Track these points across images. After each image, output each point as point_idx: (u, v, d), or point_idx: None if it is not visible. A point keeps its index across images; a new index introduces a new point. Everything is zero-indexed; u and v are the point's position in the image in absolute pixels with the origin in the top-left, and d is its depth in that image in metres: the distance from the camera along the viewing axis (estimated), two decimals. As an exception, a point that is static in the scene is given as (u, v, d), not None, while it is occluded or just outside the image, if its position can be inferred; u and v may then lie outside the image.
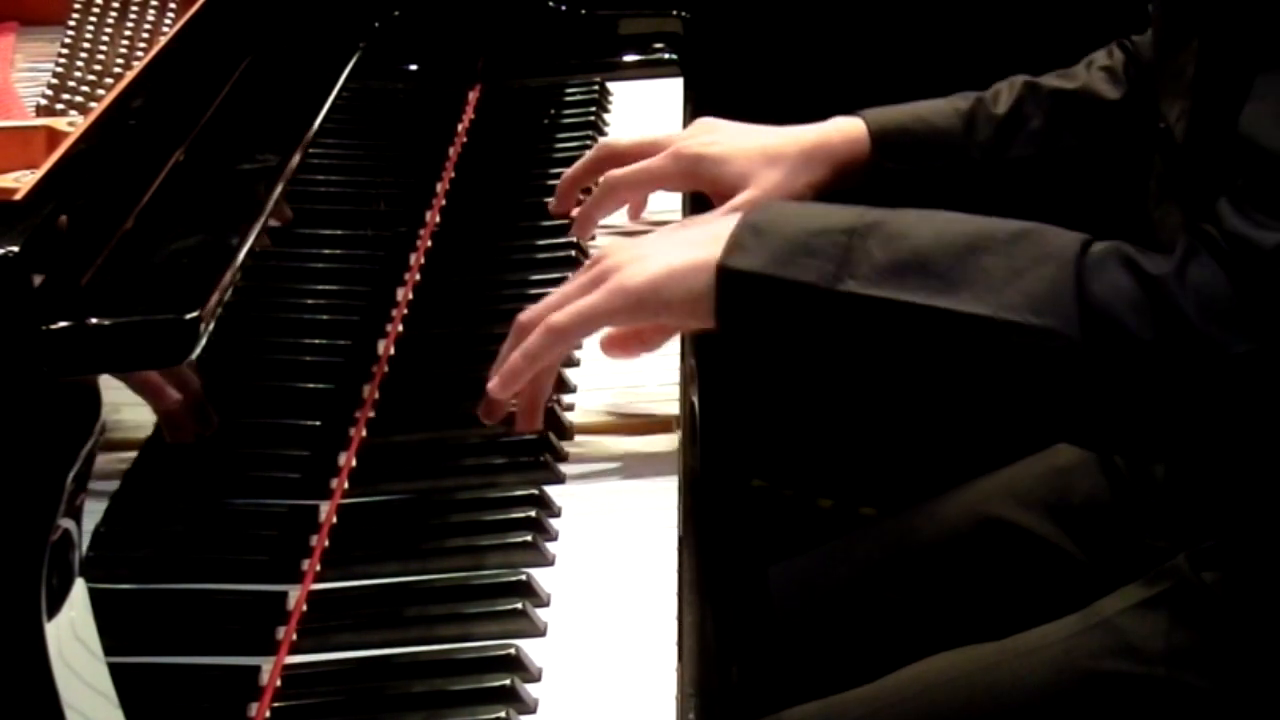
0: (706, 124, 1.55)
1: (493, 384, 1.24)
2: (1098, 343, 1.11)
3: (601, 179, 1.53)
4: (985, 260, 1.15)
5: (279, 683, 1.06)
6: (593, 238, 1.59)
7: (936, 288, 1.14)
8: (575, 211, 1.57)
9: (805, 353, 1.23)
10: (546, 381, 1.25)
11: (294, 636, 1.10)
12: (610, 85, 1.95)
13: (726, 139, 1.51)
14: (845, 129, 1.52)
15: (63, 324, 0.90)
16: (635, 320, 1.24)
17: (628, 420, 1.33)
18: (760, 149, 1.50)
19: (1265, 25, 1.15)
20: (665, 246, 1.23)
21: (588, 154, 1.57)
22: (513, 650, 1.05)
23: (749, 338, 1.23)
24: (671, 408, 1.33)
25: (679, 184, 1.56)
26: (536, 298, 1.48)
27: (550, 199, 1.61)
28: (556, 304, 1.24)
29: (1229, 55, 1.20)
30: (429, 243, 1.60)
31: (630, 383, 1.36)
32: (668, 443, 1.29)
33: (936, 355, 1.16)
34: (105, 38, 1.50)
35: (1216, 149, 1.23)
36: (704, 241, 1.21)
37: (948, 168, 1.50)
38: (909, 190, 1.51)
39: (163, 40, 1.28)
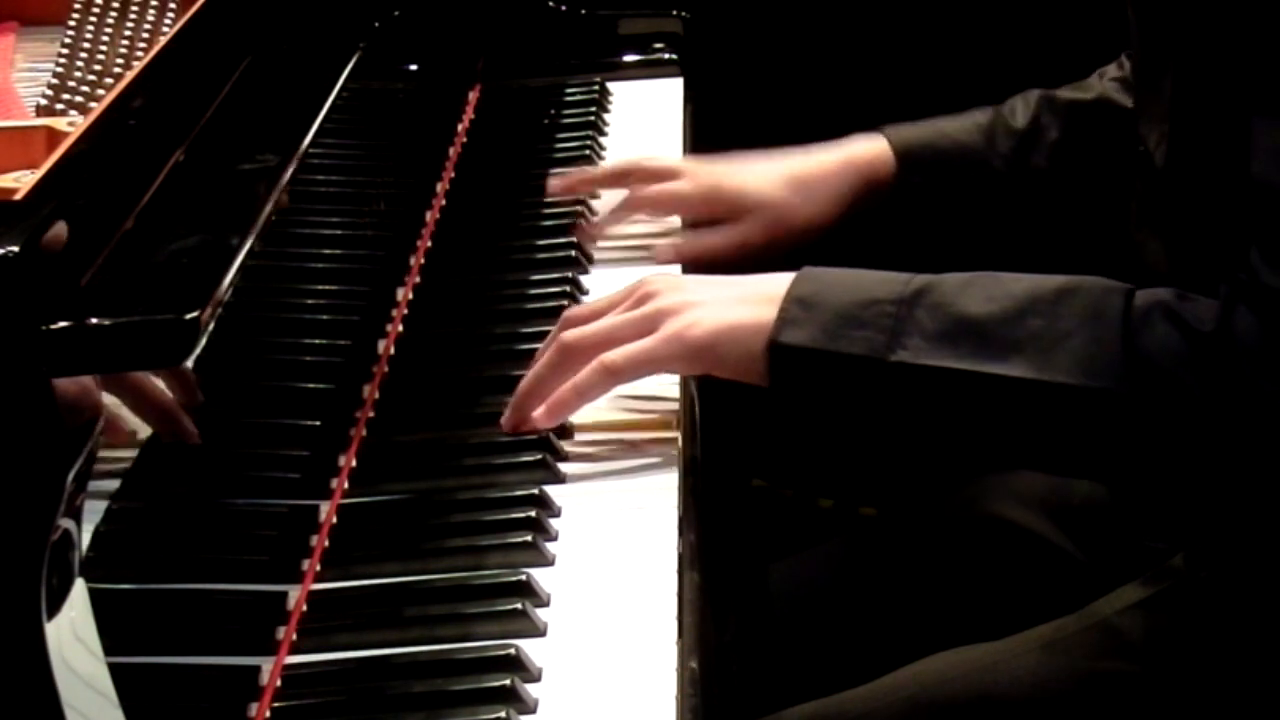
0: (727, 158, 1.55)
1: (540, 414, 1.25)
2: (1148, 400, 1.13)
3: (626, 196, 1.53)
4: (1033, 323, 1.16)
5: (279, 683, 1.06)
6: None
7: (987, 354, 1.16)
8: (590, 227, 1.59)
9: (860, 418, 1.25)
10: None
11: (294, 636, 1.10)
12: (610, 85, 1.95)
13: (747, 166, 1.52)
14: (869, 147, 1.51)
15: (63, 324, 0.90)
16: (687, 370, 1.28)
17: (628, 420, 1.33)
18: (783, 174, 1.50)
19: (1245, 57, 1.15)
20: (720, 299, 1.24)
21: (617, 161, 1.56)
22: (513, 650, 1.05)
23: (804, 405, 1.24)
24: (672, 407, 1.33)
25: (700, 209, 1.55)
26: (536, 298, 1.49)
27: (550, 202, 1.62)
28: (606, 335, 1.25)
29: (1206, 81, 1.21)
30: (429, 243, 1.60)
31: (631, 383, 1.36)
32: (668, 443, 1.29)
33: (989, 418, 1.18)
34: (105, 38, 1.50)
35: (1195, 175, 1.24)
36: (758, 301, 1.22)
37: (972, 181, 1.50)
38: (933, 205, 1.51)
39: (163, 40, 1.28)
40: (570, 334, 1.26)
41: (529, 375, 1.27)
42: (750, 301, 1.23)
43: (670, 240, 1.56)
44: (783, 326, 1.20)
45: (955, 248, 1.58)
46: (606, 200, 1.69)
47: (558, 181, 1.60)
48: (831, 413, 1.25)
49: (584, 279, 1.53)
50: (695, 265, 1.52)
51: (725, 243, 1.52)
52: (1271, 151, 1.15)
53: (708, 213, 1.55)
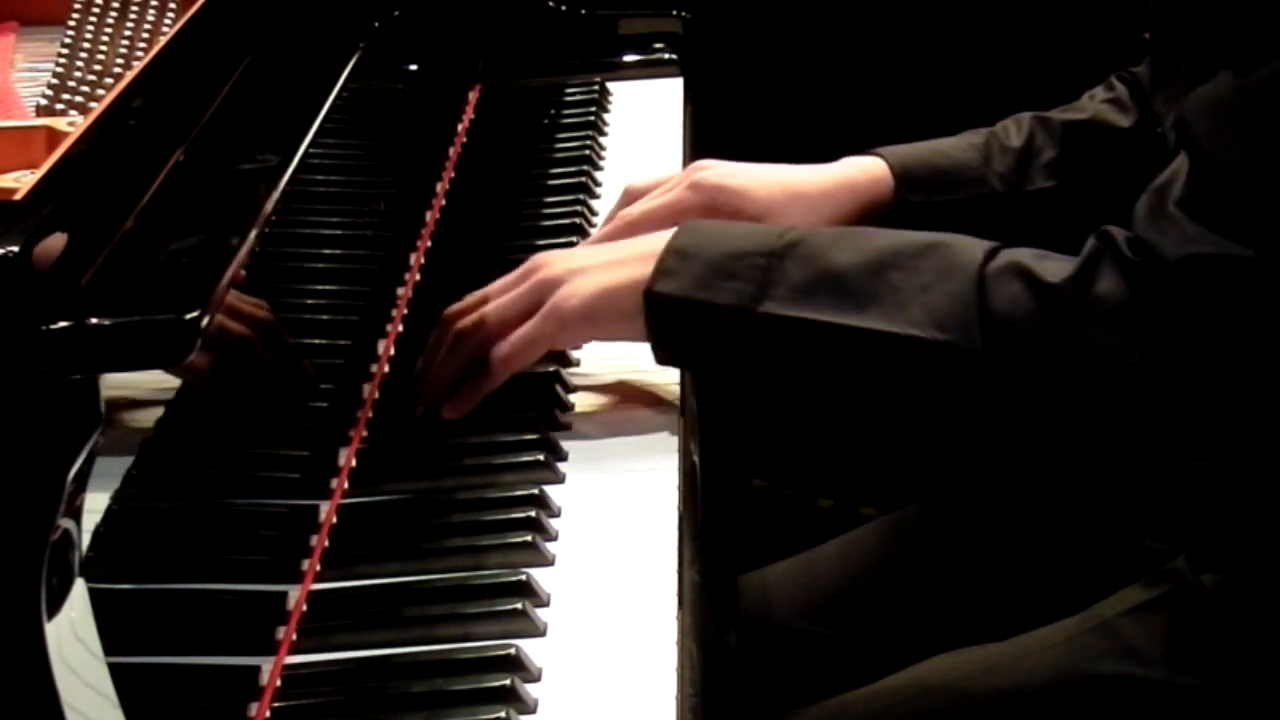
0: (718, 162, 1.52)
1: (449, 410, 1.28)
2: (999, 355, 1.15)
3: (618, 216, 1.48)
4: (894, 277, 1.19)
5: (279, 683, 1.06)
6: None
7: (848, 306, 1.19)
8: None
9: (731, 372, 1.29)
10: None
11: (294, 636, 1.10)
12: (610, 85, 1.95)
13: (745, 172, 1.49)
14: (866, 168, 1.50)
15: (63, 324, 0.90)
16: (574, 342, 1.32)
17: (628, 420, 1.33)
18: (782, 185, 1.48)
19: (1259, 35, 1.15)
20: (599, 262, 1.27)
21: (614, 207, 1.52)
22: (513, 650, 1.05)
23: (679, 358, 1.28)
24: (672, 408, 1.33)
25: (700, 215, 1.48)
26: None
27: (550, 202, 1.61)
28: (496, 318, 1.28)
29: (1220, 61, 1.20)
30: (429, 243, 1.60)
31: (631, 382, 1.36)
32: (668, 443, 1.29)
33: (850, 371, 1.21)
34: (105, 38, 1.50)
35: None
36: (635, 260, 1.25)
37: (971, 200, 1.50)
38: (931, 223, 1.51)
39: (163, 40, 1.28)
40: (453, 312, 1.30)
41: (426, 364, 1.30)
42: (628, 261, 1.26)
43: None
44: (658, 277, 1.23)
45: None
46: (607, 201, 1.69)
47: None
48: (704, 364, 1.29)
49: (584, 279, 1.53)
50: None
51: None
52: (1212, 105, 1.16)
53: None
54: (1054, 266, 1.16)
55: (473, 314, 1.29)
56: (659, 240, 1.26)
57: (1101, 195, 1.49)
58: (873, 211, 1.49)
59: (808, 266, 1.21)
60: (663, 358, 1.27)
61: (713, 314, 1.22)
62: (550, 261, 1.29)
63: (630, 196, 1.49)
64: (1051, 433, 1.18)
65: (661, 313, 1.23)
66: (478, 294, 1.32)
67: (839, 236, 1.24)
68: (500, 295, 1.30)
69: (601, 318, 1.26)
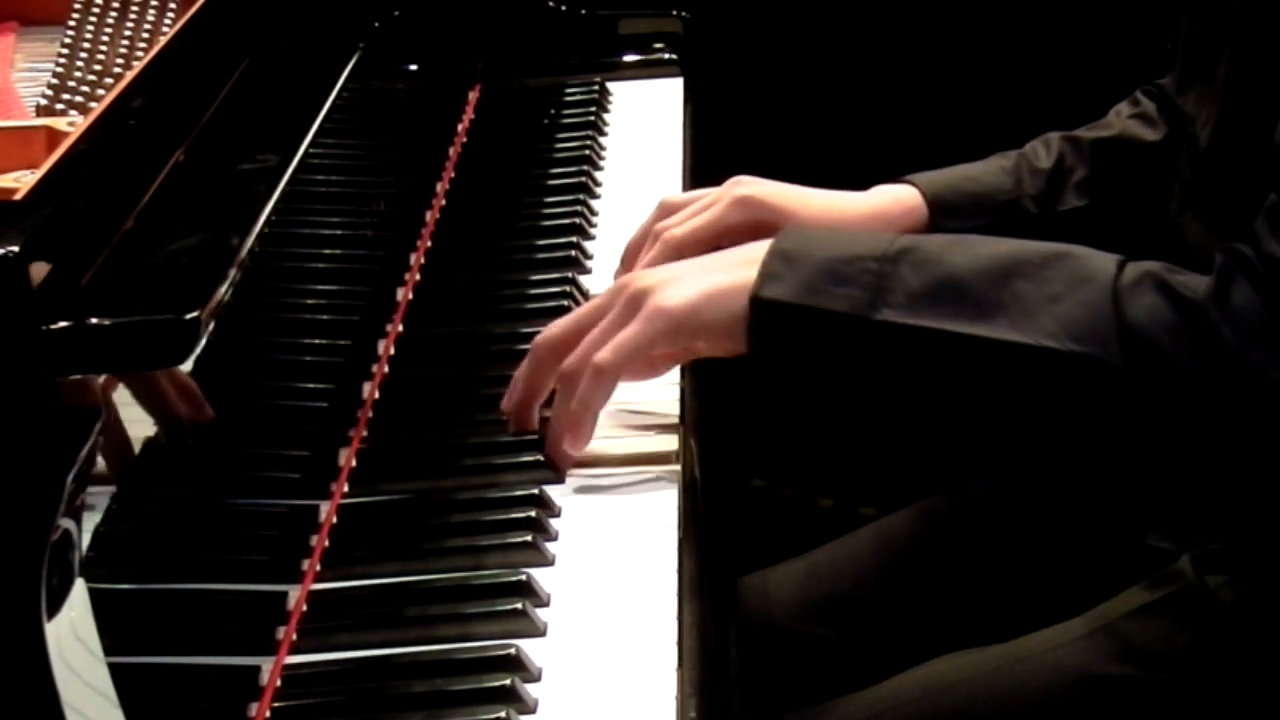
0: (757, 179, 1.48)
1: (568, 444, 1.22)
2: (1137, 368, 1.11)
3: (662, 239, 1.43)
4: (1020, 285, 1.15)
5: (279, 683, 1.06)
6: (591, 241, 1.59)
7: (972, 315, 1.14)
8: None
9: (839, 379, 1.22)
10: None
11: (294, 636, 1.10)
12: (610, 85, 1.95)
13: (786, 193, 1.47)
14: (899, 197, 1.49)
15: (63, 324, 0.90)
16: (673, 344, 1.22)
17: (628, 419, 1.33)
18: (822, 209, 1.46)
19: None
20: (697, 269, 1.22)
21: (648, 220, 1.47)
22: (513, 650, 1.05)
23: (783, 365, 1.22)
24: (672, 407, 1.33)
25: (744, 233, 1.45)
26: (536, 298, 1.49)
27: (550, 202, 1.61)
28: (594, 339, 1.21)
29: (1262, 63, 1.20)
30: (429, 243, 1.60)
31: (631, 382, 1.36)
32: (668, 443, 1.29)
33: (973, 382, 1.16)
34: (105, 38, 1.50)
35: (1243, 158, 1.23)
36: (738, 265, 1.20)
37: (1004, 223, 1.49)
38: None
39: (163, 40, 1.28)
40: (545, 340, 1.24)
41: (524, 397, 1.25)
42: (730, 266, 1.21)
43: None
44: (764, 281, 1.18)
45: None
46: (607, 201, 1.69)
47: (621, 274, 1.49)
48: (811, 372, 1.22)
49: (584, 279, 1.53)
50: None
51: None
52: None
53: (750, 238, 1.50)
54: (1189, 280, 1.13)
55: (576, 351, 1.23)
56: (758, 247, 1.21)
57: (1134, 211, 1.48)
58: None
59: (925, 272, 1.16)
60: (764, 363, 1.21)
61: (824, 320, 1.16)
62: (640, 276, 1.24)
63: (665, 210, 1.45)
64: (1183, 446, 1.15)
65: (768, 319, 1.18)
66: (569, 321, 1.25)
67: (954, 243, 1.19)
68: (594, 318, 1.24)
69: (705, 319, 1.19)
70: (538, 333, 1.41)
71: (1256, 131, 1.21)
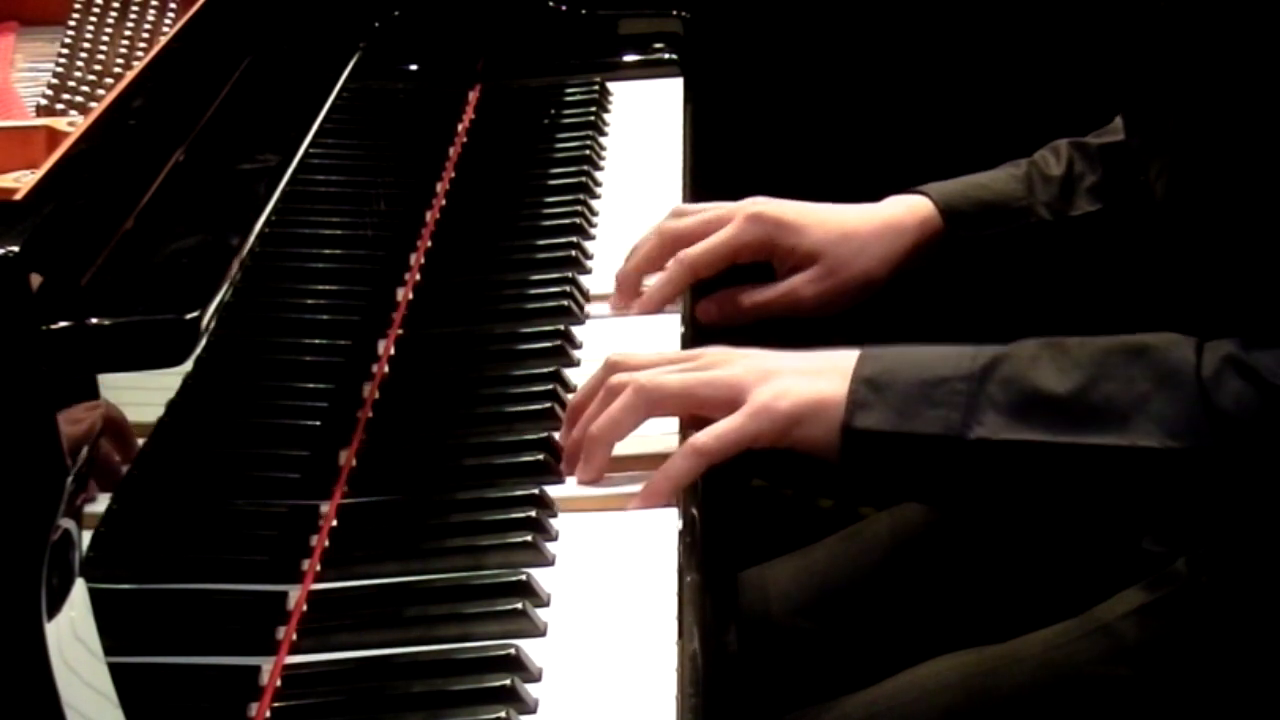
0: (770, 199, 1.50)
1: (644, 499, 1.22)
2: (1231, 457, 1.13)
3: (675, 260, 1.46)
4: (1108, 388, 1.16)
5: (279, 683, 1.06)
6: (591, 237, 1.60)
7: (1065, 424, 1.16)
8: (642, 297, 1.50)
9: (933, 496, 1.25)
10: None
11: (294, 636, 1.10)
12: (610, 85, 1.95)
13: (799, 210, 1.48)
14: (913, 207, 1.49)
15: (63, 324, 0.90)
16: (770, 443, 1.22)
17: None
18: (836, 225, 1.47)
19: (1255, 89, 1.15)
20: (797, 371, 1.22)
21: (649, 243, 1.49)
22: (513, 650, 1.05)
23: (878, 488, 1.25)
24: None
25: (756, 251, 1.48)
26: (536, 298, 1.49)
27: (550, 202, 1.61)
28: (687, 392, 1.22)
29: (1213, 114, 1.21)
30: (429, 243, 1.60)
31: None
32: (668, 443, 1.29)
33: (1072, 488, 1.18)
34: (105, 38, 1.50)
35: (1194, 208, 1.24)
36: (829, 374, 1.21)
37: (1018, 230, 1.49)
38: (981, 257, 1.50)
39: (163, 40, 1.28)
40: (645, 377, 1.23)
41: (595, 420, 1.23)
42: (823, 375, 1.21)
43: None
44: (855, 411, 1.19)
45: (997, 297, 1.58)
46: (607, 201, 1.69)
47: (619, 298, 1.49)
48: (907, 493, 1.26)
49: (584, 279, 1.53)
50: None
51: (775, 297, 1.48)
52: None
53: (763, 255, 1.49)
54: (1268, 361, 1.14)
55: (659, 375, 1.23)
56: (845, 359, 1.21)
57: (1145, 214, 1.48)
58: (921, 250, 1.48)
59: (1013, 388, 1.17)
60: (858, 487, 1.23)
61: (919, 445, 1.18)
62: (738, 358, 1.24)
63: (676, 214, 1.49)
64: (1269, 518, 1.16)
65: (862, 448, 1.19)
66: (643, 357, 1.27)
67: (1035, 354, 1.19)
68: (680, 369, 1.24)
69: (806, 429, 1.20)
70: (538, 332, 1.42)
71: (1212, 186, 1.22)
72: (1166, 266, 1.31)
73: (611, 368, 1.26)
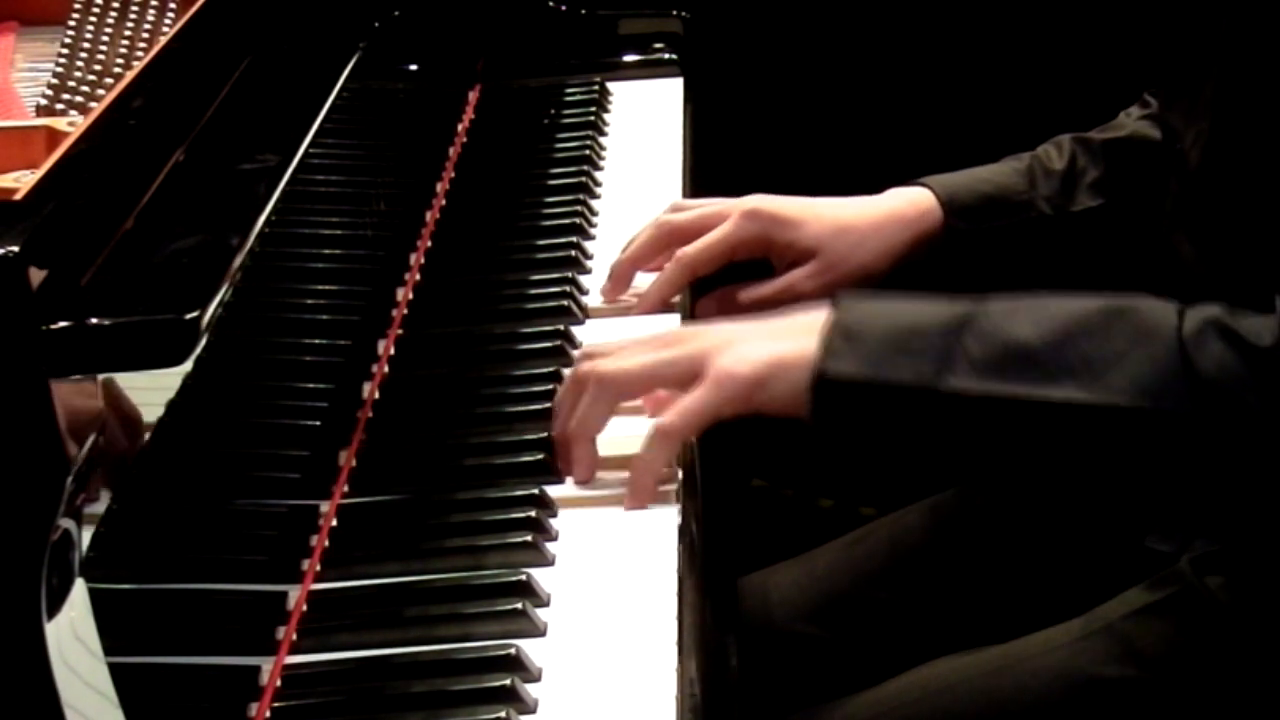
0: (766, 196, 1.49)
1: (632, 502, 1.22)
2: (1208, 420, 1.11)
3: (674, 259, 1.45)
4: (1084, 345, 1.14)
5: (279, 683, 1.06)
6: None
7: (1039, 378, 1.14)
8: (638, 292, 1.50)
9: (904, 450, 1.22)
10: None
11: (294, 636, 1.10)
12: (610, 85, 1.95)
13: (797, 205, 1.47)
14: (913, 199, 1.49)
15: (63, 324, 0.90)
16: (738, 410, 1.21)
17: (627, 420, 1.32)
18: (834, 218, 1.47)
19: None
20: (762, 334, 1.21)
21: (644, 234, 1.49)
22: (513, 650, 1.05)
23: (846, 439, 1.21)
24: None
25: (754, 247, 1.48)
26: (536, 298, 1.49)
27: (550, 202, 1.61)
28: (648, 374, 1.22)
29: (1254, 84, 1.20)
30: (429, 243, 1.60)
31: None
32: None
33: (1043, 445, 1.16)
34: (105, 38, 1.50)
35: (1234, 180, 1.23)
36: (798, 333, 1.19)
37: (1019, 224, 1.49)
38: (981, 250, 1.50)
39: (163, 40, 1.28)
40: (606, 365, 1.23)
41: (571, 417, 1.23)
42: (791, 335, 1.20)
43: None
44: (827, 358, 1.17)
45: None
46: (607, 201, 1.69)
47: (612, 289, 1.50)
48: (875, 446, 1.22)
49: (584, 279, 1.53)
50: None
51: (774, 293, 1.47)
52: None
53: (760, 251, 1.49)
54: (1253, 325, 1.12)
55: (621, 361, 1.23)
56: (814, 317, 1.20)
57: (1147, 210, 1.48)
58: (922, 242, 1.48)
59: (988, 341, 1.15)
60: (827, 438, 1.20)
61: (890, 393, 1.16)
62: (700, 332, 1.24)
63: (675, 208, 1.48)
64: (1257, 495, 1.14)
65: (833, 396, 1.17)
66: (613, 345, 1.26)
67: (1013, 309, 1.17)
68: (643, 351, 1.24)
69: (771, 389, 1.18)
70: (538, 332, 1.42)
71: (1249, 153, 1.21)
72: (1195, 232, 1.29)
73: (580, 359, 1.26)
